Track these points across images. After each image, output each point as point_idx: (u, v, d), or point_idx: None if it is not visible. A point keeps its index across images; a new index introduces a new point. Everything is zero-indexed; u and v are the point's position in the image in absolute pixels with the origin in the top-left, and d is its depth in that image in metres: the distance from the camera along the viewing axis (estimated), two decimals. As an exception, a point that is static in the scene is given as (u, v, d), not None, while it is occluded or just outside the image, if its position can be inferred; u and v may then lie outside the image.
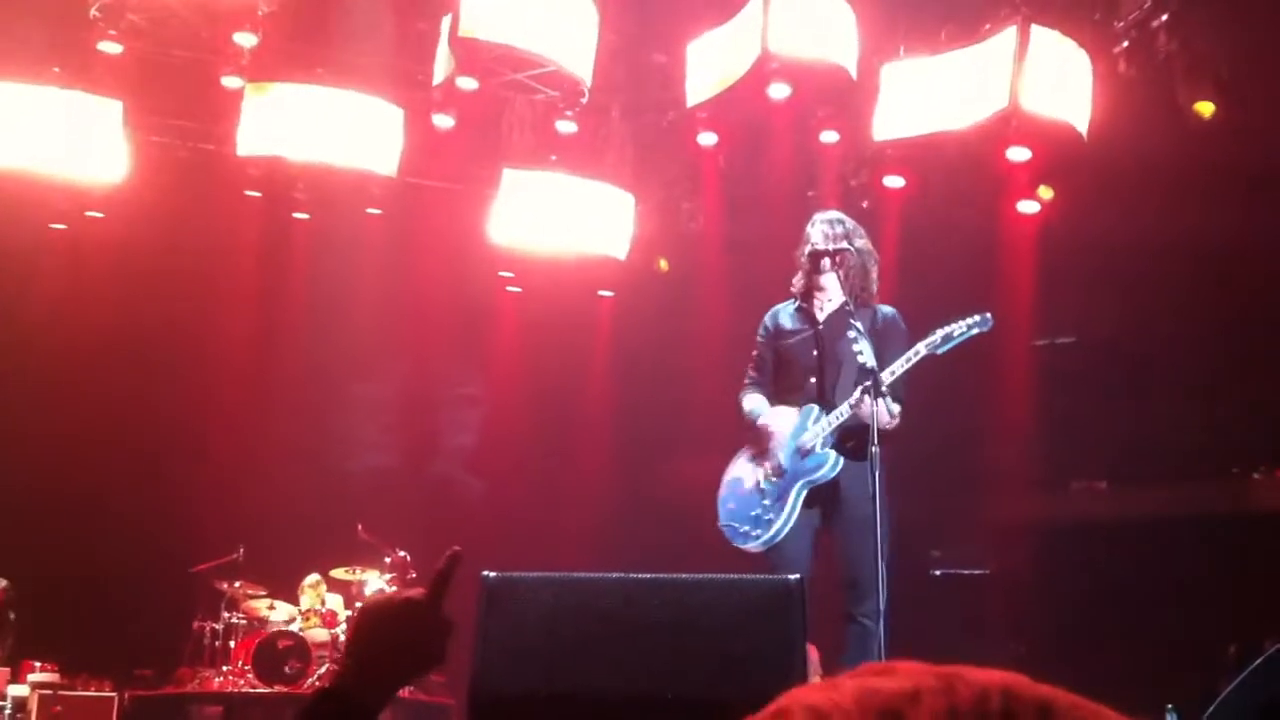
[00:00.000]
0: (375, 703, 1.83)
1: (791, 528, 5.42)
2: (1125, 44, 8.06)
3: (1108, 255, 9.21)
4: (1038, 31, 7.65)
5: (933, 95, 8.16)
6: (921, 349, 5.29)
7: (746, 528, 5.52)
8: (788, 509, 5.41)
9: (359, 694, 1.82)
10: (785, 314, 5.79)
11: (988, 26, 7.90)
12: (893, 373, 5.22)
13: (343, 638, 9.08)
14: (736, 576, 2.78)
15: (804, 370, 5.63)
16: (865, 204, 9.04)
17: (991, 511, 10.48)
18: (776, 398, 5.71)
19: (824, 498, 5.47)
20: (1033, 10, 7.74)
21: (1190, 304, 9.04)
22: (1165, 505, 9.65)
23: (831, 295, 5.62)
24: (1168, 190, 8.61)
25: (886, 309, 5.67)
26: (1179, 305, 9.10)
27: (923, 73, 8.26)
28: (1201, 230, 8.67)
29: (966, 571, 10.63)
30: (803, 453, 5.44)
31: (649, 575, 2.77)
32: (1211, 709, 2.06)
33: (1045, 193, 8.87)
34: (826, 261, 5.51)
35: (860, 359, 5.09)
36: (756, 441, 5.67)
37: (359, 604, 9.27)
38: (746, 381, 5.85)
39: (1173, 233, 8.81)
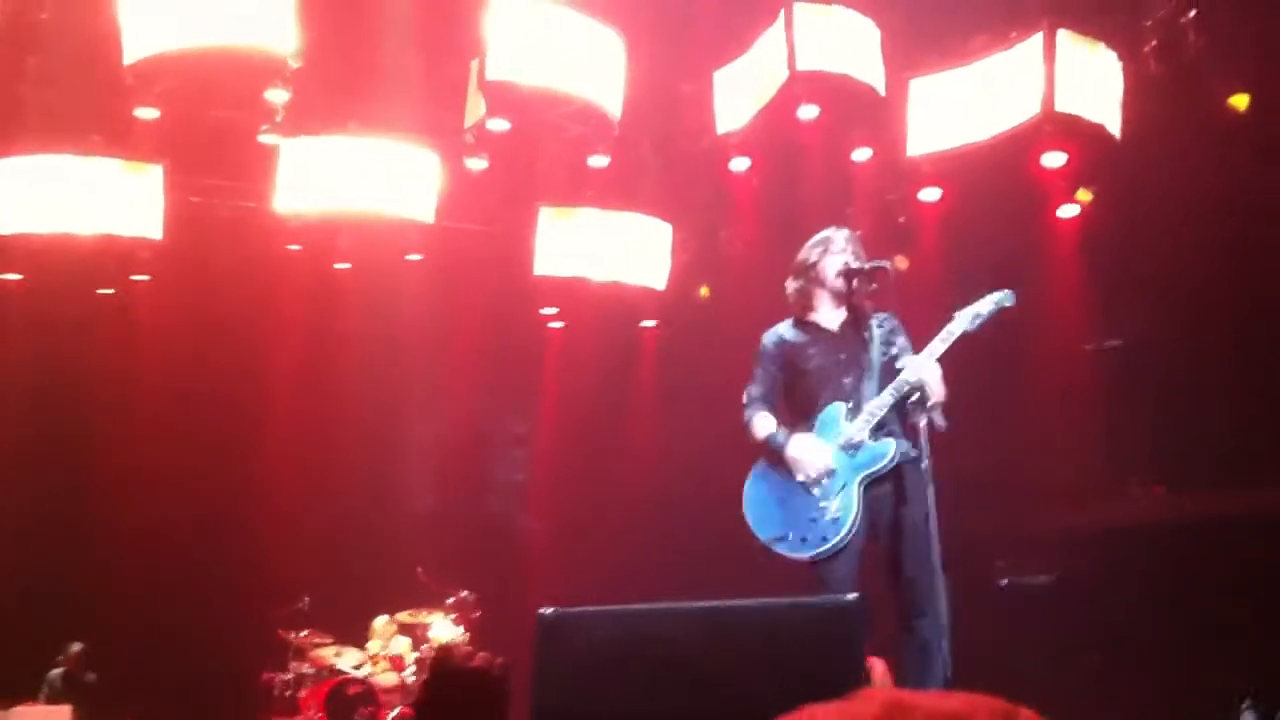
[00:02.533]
0: None
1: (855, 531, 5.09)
2: (1154, 42, 8.02)
3: (1151, 254, 9.12)
4: (1064, 35, 7.63)
5: (963, 106, 8.14)
6: (956, 329, 5.18)
7: (806, 535, 5.11)
8: (854, 504, 5.05)
9: None
10: (788, 331, 5.65)
11: (1014, 34, 7.88)
12: (931, 355, 5.15)
13: (410, 680, 9.14)
14: (790, 600, 2.76)
15: (827, 376, 5.46)
16: (902, 219, 9.01)
17: (1052, 519, 10.37)
18: (794, 413, 5.54)
19: (875, 502, 5.17)
20: (1058, 15, 7.71)
21: (1238, 302, 8.92)
22: (1224, 506, 9.50)
23: (841, 308, 5.52)
24: (1208, 186, 8.51)
25: (884, 315, 5.52)
26: (1225, 304, 8.98)
27: (952, 84, 8.24)
28: (1250, 224, 8.55)
29: (1030, 580, 10.54)
30: (850, 448, 5.22)
31: (702, 604, 2.76)
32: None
33: (1084, 195, 8.81)
34: (863, 280, 5.44)
35: (888, 360, 5.07)
36: (783, 461, 5.30)
37: (426, 646, 9.32)
38: (748, 400, 5.61)
39: (1219, 227, 8.69)
